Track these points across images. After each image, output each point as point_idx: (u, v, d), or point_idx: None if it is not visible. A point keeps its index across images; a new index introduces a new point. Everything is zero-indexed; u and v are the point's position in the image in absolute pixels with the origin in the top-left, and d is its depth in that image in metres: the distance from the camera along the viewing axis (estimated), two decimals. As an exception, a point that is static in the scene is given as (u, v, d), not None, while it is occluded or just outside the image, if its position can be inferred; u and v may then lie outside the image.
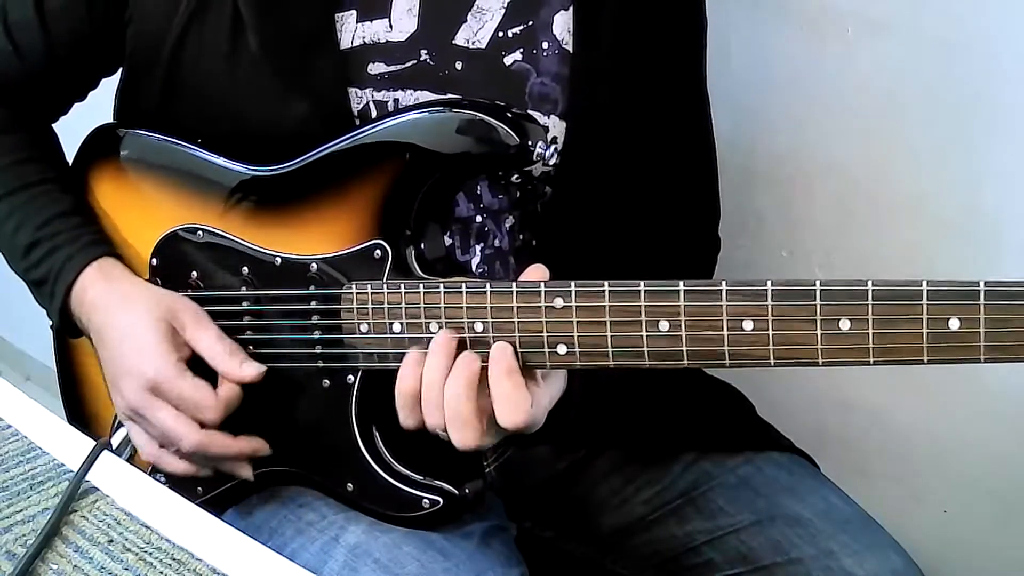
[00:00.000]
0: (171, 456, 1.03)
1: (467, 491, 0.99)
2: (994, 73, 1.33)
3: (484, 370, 0.92)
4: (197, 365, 1.03)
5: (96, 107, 1.20)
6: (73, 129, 1.19)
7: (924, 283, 0.80)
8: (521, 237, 1.13)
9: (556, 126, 1.09)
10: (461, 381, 0.91)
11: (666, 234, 1.18)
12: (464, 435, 0.92)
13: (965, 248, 1.40)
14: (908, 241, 1.45)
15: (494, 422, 0.91)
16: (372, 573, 0.98)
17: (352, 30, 1.06)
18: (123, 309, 1.04)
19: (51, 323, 1.13)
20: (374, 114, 1.06)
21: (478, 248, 1.11)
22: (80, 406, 1.18)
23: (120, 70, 1.16)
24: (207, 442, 1.01)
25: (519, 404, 0.90)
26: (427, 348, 0.93)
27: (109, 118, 1.18)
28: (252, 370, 1.02)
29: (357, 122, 1.05)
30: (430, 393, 0.93)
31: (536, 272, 0.93)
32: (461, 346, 0.93)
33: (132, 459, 1.05)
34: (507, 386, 0.90)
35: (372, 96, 1.06)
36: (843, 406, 1.54)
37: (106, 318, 1.05)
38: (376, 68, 1.06)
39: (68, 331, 1.11)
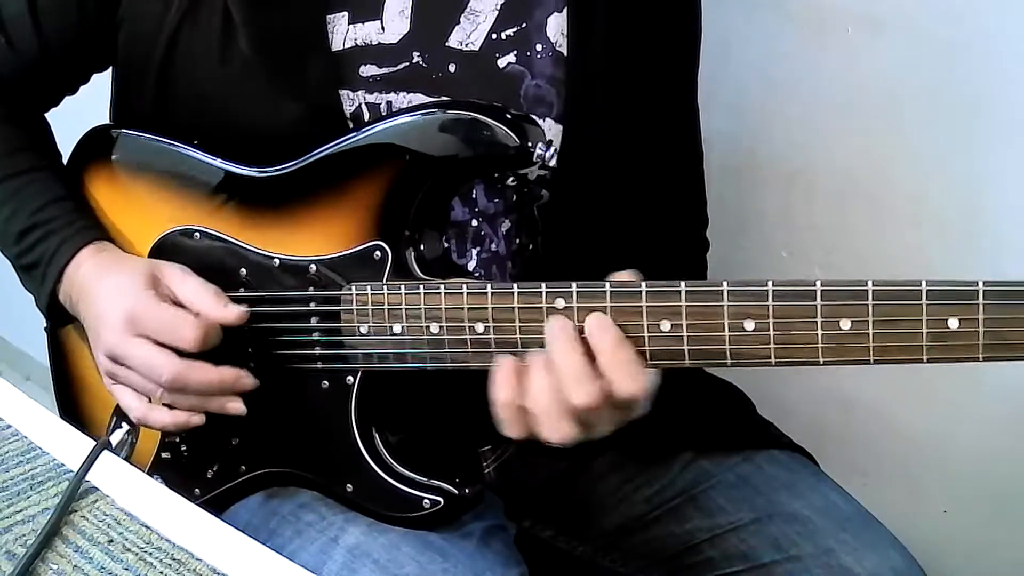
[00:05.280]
0: (159, 409, 1.01)
1: (467, 491, 0.99)
2: (994, 73, 1.33)
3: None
4: None
5: (92, 108, 1.20)
6: (69, 130, 1.19)
7: (924, 283, 0.81)
8: (517, 241, 1.13)
9: (551, 129, 1.08)
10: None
11: (656, 237, 1.18)
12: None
13: (965, 248, 1.40)
14: (908, 241, 1.45)
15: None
16: (371, 573, 0.98)
17: (344, 32, 1.06)
18: (110, 275, 1.04)
19: (38, 306, 1.12)
20: (367, 117, 1.06)
21: (474, 252, 1.10)
22: (75, 407, 1.17)
23: (112, 67, 1.16)
24: (187, 371, 0.98)
25: (636, 370, 0.88)
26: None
27: (105, 118, 1.18)
28: (236, 310, 1.00)
29: (350, 124, 1.05)
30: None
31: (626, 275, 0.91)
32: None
33: (131, 459, 1.05)
34: (621, 352, 0.87)
35: (364, 99, 1.06)
36: (843, 404, 1.55)
37: (94, 284, 1.04)
38: (368, 70, 1.06)
39: (54, 316, 1.11)
